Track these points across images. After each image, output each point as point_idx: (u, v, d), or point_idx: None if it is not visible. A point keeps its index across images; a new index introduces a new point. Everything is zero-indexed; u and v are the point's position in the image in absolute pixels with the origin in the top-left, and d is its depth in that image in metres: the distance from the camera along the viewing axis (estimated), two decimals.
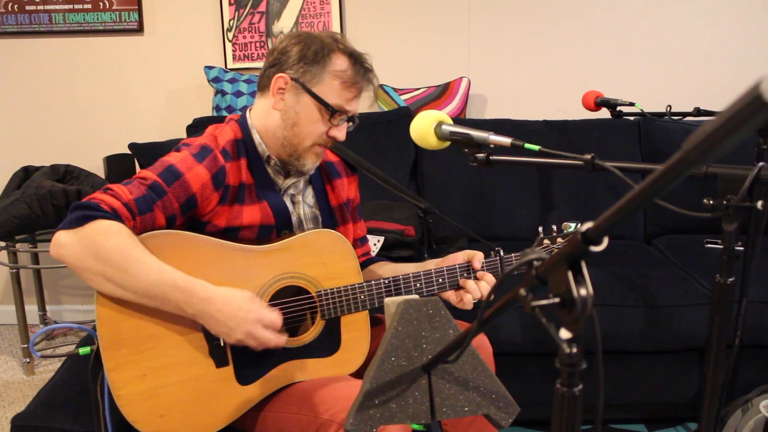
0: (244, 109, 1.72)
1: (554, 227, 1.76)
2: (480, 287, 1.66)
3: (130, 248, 1.39)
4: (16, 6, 3.58)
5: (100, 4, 3.58)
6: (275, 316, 1.45)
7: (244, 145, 1.65)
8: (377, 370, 1.12)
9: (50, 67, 3.68)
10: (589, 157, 1.32)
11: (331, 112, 1.59)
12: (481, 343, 1.73)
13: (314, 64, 1.58)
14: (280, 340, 1.47)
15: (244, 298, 1.44)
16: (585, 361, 0.76)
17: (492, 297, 0.90)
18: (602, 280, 2.45)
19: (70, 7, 3.58)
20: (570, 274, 0.72)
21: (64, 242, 1.40)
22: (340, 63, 1.60)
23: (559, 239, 1.74)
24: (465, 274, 1.67)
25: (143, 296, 1.41)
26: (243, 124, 1.67)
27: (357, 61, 1.62)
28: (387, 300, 1.32)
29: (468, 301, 1.66)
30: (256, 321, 1.43)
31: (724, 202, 1.22)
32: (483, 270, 1.67)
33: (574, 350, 0.73)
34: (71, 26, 3.61)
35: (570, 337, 0.74)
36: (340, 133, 1.63)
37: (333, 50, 1.60)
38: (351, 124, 1.68)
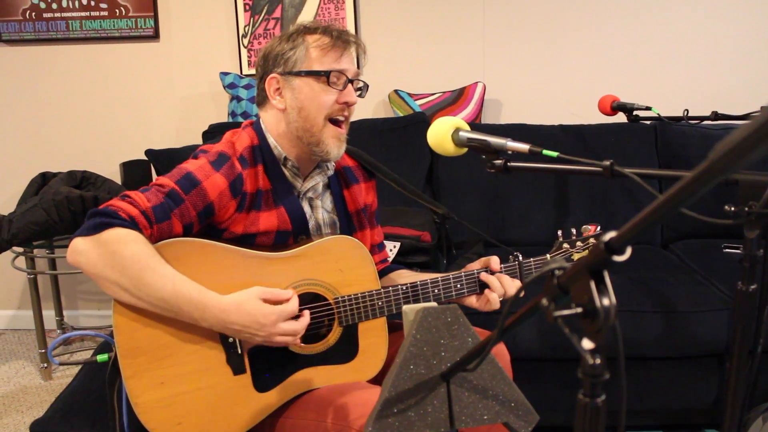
0: (258, 115, 1.72)
1: (573, 231, 1.75)
2: (502, 281, 1.65)
3: (147, 258, 1.40)
4: (33, 14, 3.61)
5: (117, 11, 3.60)
6: (289, 308, 1.46)
7: (261, 151, 1.65)
8: (396, 378, 1.11)
9: (67, 73, 3.71)
10: (608, 163, 1.31)
11: (326, 75, 1.60)
12: (499, 350, 1.72)
13: (292, 50, 1.61)
14: (303, 323, 1.48)
15: (254, 299, 1.44)
16: (607, 371, 0.75)
17: (521, 294, 0.90)
18: (619, 285, 2.43)
19: (87, 14, 3.61)
20: (592, 284, 0.71)
21: (82, 249, 1.41)
22: (312, 37, 1.63)
23: (579, 243, 1.73)
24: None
25: (158, 307, 1.42)
26: (258, 129, 1.68)
27: (327, 29, 1.64)
28: (405, 307, 1.32)
29: (494, 300, 1.65)
30: (273, 322, 1.43)
31: (746, 208, 1.20)
32: (501, 272, 1.67)
33: (598, 361, 0.72)
34: (88, 33, 3.63)
35: (593, 348, 0.73)
36: (350, 96, 1.63)
37: (303, 31, 1.64)
38: (359, 91, 1.68)
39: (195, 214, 1.51)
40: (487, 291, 1.66)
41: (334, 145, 1.63)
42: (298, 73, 1.60)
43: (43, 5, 3.60)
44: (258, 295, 1.45)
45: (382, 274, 1.86)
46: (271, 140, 1.66)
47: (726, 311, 2.32)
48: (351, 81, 1.64)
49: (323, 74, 1.59)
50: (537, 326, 2.32)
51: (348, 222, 1.78)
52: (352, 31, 3.52)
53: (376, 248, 1.89)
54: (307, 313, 1.50)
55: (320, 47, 1.61)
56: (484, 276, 1.66)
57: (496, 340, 0.94)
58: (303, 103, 1.61)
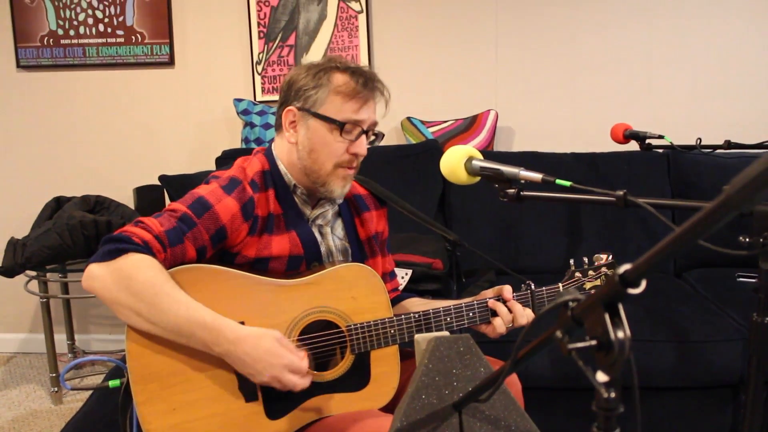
0: (271, 141, 1.73)
1: (585, 259, 1.74)
2: (512, 308, 1.64)
3: (161, 283, 1.40)
4: (51, 40, 3.66)
5: (133, 37, 3.65)
6: (302, 364, 1.44)
7: (272, 176, 1.66)
8: (407, 408, 1.11)
9: (83, 99, 3.75)
10: (621, 193, 1.30)
11: (340, 126, 1.59)
12: (511, 380, 1.71)
13: (315, 89, 1.60)
14: (305, 383, 1.45)
15: (272, 339, 1.42)
16: (622, 404, 0.74)
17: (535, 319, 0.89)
18: (632, 314, 2.41)
19: (104, 41, 3.65)
20: (607, 317, 0.71)
21: (96, 275, 1.41)
22: (338, 79, 1.61)
23: (591, 272, 1.73)
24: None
25: (171, 332, 1.42)
26: (269, 155, 1.69)
27: (355, 72, 1.62)
28: (417, 336, 1.31)
29: (499, 324, 1.65)
30: (283, 367, 1.41)
31: (761, 239, 1.20)
32: (514, 300, 1.66)
33: (612, 395, 0.72)
34: (104, 59, 3.68)
35: (607, 381, 0.72)
36: (360, 147, 1.62)
37: (330, 70, 1.62)
38: (374, 138, 1.68)
39: (208, 238, 1.51)
40: (493, 319, 1.66)
41: (339, 185, 1.63)
42: (315, 114, 1.61)
43: (60, 32, 3.66)
44: (277, 338, 1.44)
45: (395, 302, 1.85)
46: (282, 167, 1.67)
47: (740, 341, 2.30)
48: (366, 132, 1.64)
49: (338, 124, 1.59)
50: (549, 355, 2.31)
51: (360, 249, 1.79)
52: (365, 58, 3.55)
53: (388, 276, 1.89)
54: (309, 379, 1.48)
55: (343, 93, 1.60)
56: (492, 303, 1.66)
57: (508, 371, 0.93)
58: (315, 145, 1.61)
